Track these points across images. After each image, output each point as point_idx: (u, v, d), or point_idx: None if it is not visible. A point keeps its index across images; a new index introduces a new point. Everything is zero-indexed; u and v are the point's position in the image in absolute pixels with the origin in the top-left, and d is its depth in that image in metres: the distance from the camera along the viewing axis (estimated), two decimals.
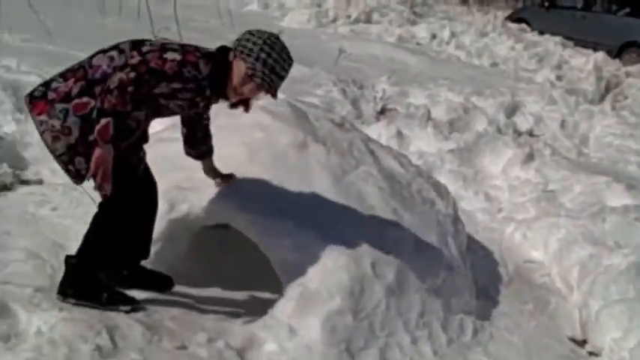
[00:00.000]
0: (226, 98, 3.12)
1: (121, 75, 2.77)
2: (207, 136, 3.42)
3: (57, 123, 2.89)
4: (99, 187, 2.88)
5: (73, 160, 2.95)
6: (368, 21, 13.64)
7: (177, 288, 3.46)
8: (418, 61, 10.89)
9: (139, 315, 3.13)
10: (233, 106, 3.21)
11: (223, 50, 3.04)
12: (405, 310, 3.53)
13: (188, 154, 3.44)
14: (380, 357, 3.34)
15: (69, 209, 4.12)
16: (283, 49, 3.05)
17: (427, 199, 4.27)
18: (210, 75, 2.95)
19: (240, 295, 3.71)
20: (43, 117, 2.91)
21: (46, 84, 3.01)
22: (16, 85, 5.58)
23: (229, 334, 3.18)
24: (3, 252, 3.47)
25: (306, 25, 12.87)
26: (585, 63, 12.15)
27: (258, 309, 3.43)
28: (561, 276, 4.75)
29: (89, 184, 3.04)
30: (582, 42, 13.86)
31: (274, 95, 3.08)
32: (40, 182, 4.62)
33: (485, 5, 21.48)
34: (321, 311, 3.27)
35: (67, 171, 2.99)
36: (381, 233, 3.67)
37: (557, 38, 13.42)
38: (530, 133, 8.26)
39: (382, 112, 7.30)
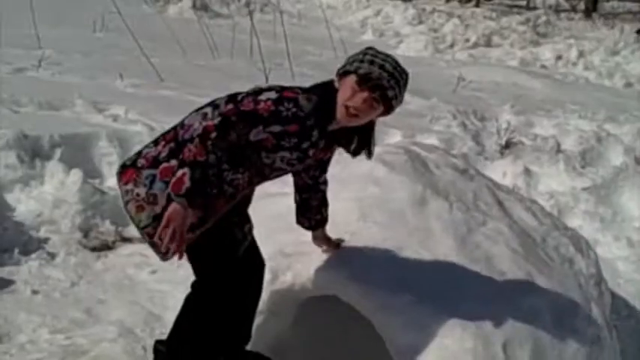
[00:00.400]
0: (341, 143, 2.74)
1: (206, 123, 2.45)
2: (323, 205, 3.04)
3: (142, 191, 2.60)
4: (165, 250, 2.51)
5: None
6: (488, 44, 13.04)
7: None
8: (543, 85, 10.21)
9: None
10: (355, 153, 2.81)
11: (329, 82, 2.66)
12: None
13: (299, 223, 3.07)
14: None
15: (168, 272, 3.86)
16: (388, 55, 2.63)
17: (566, 257, 3.73)
18: (314, 110, 2.55)
19: None
20: (129, 186, 2.62)
21: (140, 151, 2.71)
22: (122, 135, 5.45)
23: None
24: (96, 325, 3.25)
25: (422, 52, 12.43)
26: None
27: None
28: None
29: None
30: None
31: (391, 103, 2.61)
32: (142, 240, 4.40)
33: (611, 19, 20.35)
34: None
35: (153, 245, 2.66)
36: (514, 305, 3.17)
37: None
38: None
39: (507, 146, 6.74)
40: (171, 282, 3.71)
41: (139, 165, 2.64)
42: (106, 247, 4.30)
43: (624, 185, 5.84)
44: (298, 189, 2.96)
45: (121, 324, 3.27)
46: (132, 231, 4.54)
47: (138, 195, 2.61)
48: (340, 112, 2.58)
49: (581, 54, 12.23)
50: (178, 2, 15.26)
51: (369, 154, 2.81)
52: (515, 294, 3.26)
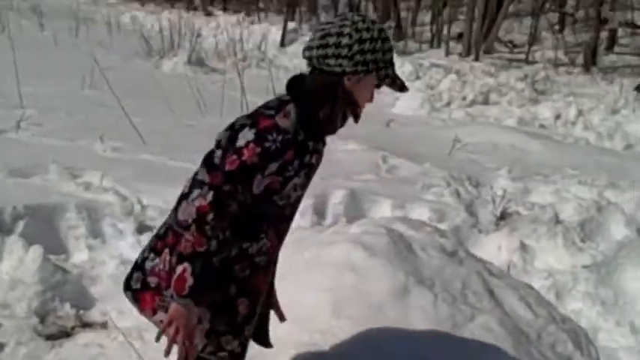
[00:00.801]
0: (329, 131, 2.38)
1: (199, 203, 2.12)
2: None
3: None
4: (168, 350, 2.20)
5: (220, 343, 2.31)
6: (485, 102, 12.78)
7: None
8: (542, 146, 9.91)
9: None
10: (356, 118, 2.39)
11: (295, 81, 2.33)
12: None
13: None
14: None
15: None
16: (374, 24, 2.26)
17: (563, 356, 3.39)
18: (299, 124, 2.22)
19: None
20: (160, 315, 2.26)
21: (139, 266, 2.35)
22: (92, 206, 5.15)
23: None
24: None
25: (418, 111, 12.18)
26: None
27: None
28: None
29: None
30: None
31: (395, 80, 2.30)
32: (104, 325, 4.06)
33: (610, 73, 20.21)
34: None
35: None
36: None
37: None
38: None
39: (502, 216, 6.42)
40: None
41: (153, 285, 2.29)
42: (63, 334, 3.94)
43: (626, 262, 5.48)
44: None
45: None
46: (93, 315, 4.20)
47: None
48: (357, 113, 2.34)
49: (580, 113, 11.96)
50: (173, 57, 15.10)
51: (356, 118, 2.39)
52: None
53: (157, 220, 5.38)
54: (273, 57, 17.65)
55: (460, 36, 22.67)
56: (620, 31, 24.26)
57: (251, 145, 2.14)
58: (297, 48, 18.68)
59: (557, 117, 12.06)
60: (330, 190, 6.08)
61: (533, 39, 22.36)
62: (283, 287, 2.65)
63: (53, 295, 4.20)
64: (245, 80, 11.56)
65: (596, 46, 21.64)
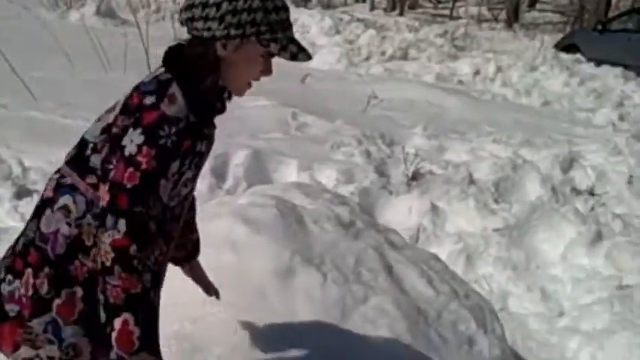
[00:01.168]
0: (219, 110, 1.97)
1: (110, 240, 1.71)
2: (194, 223, 2.32)
3: (52, 349, 1.84)
4: None
5: None
6: (404, 58, 12.50)
7: None
8: (459, 103, 9.68)
9: None
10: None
11: (172, 53, 1.90)
12: None
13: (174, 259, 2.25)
14: None
15: None
16: None
17: (464, 335, 3.11)
18: (189, 107, 1.81)
19: None
20: (28, 351, 1.84)
21: None
22: None
23: None
24: None
25: (335, 66, 11.81)
26: None
27: None
28: None
29: None
30: None
31: (287, 47, 1.88)
32: None
33: (532, 29, 20.27)
34: None
35: None
36: None
37: (618, 70, 12.01)
38: (591, 192, 6.99)
39: (414, 177, 6.14)
40: None
41: (13, 315, 1.84)
42: None
43: (538, 225, 5.29)
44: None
45: None
46: None
47: (51, 358, 1.84)
48: (240, 89, 1.94)
49: (499, 69, 11.79)
50: (81, 8, 14.28)
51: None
52: None
53: (39, 183, 4.92)
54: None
55: None
56: None
57: (144, 148, 1.74)
58: None
59: (476, 73, 11.87)
60: (232, 149, 5.66)
61: None
62: None
63: None
64: (155, 33, 10.95)
65: (518, 3, 21.68)
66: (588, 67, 12.44)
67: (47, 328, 1.82)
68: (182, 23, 1.87)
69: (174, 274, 2.58)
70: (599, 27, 14.69)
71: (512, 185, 6.59)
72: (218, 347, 2.63)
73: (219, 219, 3.17)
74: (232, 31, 1.81)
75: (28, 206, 4.50)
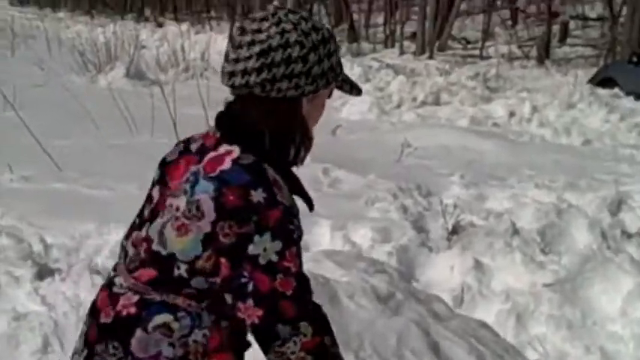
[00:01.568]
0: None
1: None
2: None
3: None
4: None
5: None
6: (436, 103, 12.25)
7: None
8: (496, 146, 9.39)
9: None
10: None
11: (235, 125, 1.68)
12: None
13: None
14: None
15: None
16: (313, 23, 1.67)
17: None
18: (289, 186, 1.68)
19: None
20: None
21: None
22: None
23: None
24: None
25: (367, 115, 11.60)
26: None
27: None
28: None
29: None
30: None
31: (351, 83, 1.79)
32: None
33: (564, 65, 19.95)
34: None
35: None
36: None
37: None
38: None
39: (454, 230, 5.82)
40: None
41: None
42: None
43: (592, 277, 4.93)
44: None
45: None
46: None
47: None
48: (311, 143, 1.78)
49: (534, 109, 11.46)
50: (110, 71, 14.35)
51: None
52: None
53: (61, 261, 4.72)
54: (218, 65, 17.00)
55: (414, 35, 22.37)
56: (572, 24, 24.18)
57: (286, 253, 1.61)
58: None
59: (511, 114, 11.54)
60: None
61: (487, 35, 22.12)
62: None
63: None
64: (185, 91, 10.92)
65: (549, 39, 21.45)
66: (628, 102, 12.04)
67: None
68: (244, 86, 1.61)
69: None
70: (635, 59, 14.29)
71: (559, 233, 6.24)
72: None
73: None
74: (320, 82, 1.66)
75: (50, 287, 4.29)
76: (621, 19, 20.62)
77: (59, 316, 4.14)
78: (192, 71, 16.01)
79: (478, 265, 5.18)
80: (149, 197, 1.77)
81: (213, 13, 28.86)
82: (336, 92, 1.80)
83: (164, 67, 16.20)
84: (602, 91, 12.66)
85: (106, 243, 4.87)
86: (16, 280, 4.53)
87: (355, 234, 5.39)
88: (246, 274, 1.58)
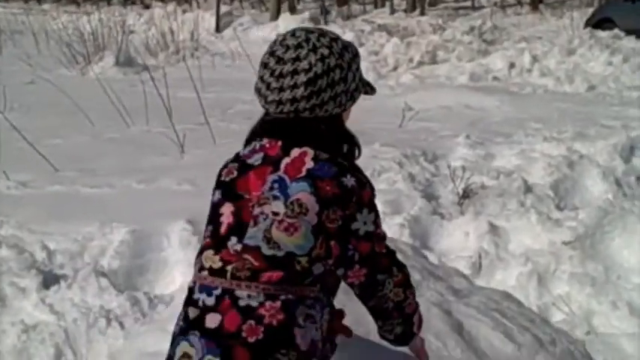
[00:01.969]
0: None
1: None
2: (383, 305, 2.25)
3: None
4: None
5: None
6: (433, 61, 12.02)
7: None
8: (499, 101, 9.18)
9: None
10: None
11: (301, 129, 1.89)
12: None
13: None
14: None
15: None
16: (344, 42, 1.95)
17: None
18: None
19: None
20: None
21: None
22: None
23: None
24: None
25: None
26: None
27: None
28: None
29: None
30: None
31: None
32: None
33: (558, 8, 19.64)
34: None
35: None
36: None
37: None
38: None
39: (466, 194, 5.65)
40: None
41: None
42: None
43: (612, 230, 4.77)
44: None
45: None
46: None
47: None
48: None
49: (534, 58, 11.22)
50: (99, 61, 14.10)
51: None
52: None
53: (66, 267, 4.57)
54: (208, 44, 16.73)
55: None
56: None
57: (378, 221, 1.94)
58: (232, 32, 17.82)
59: (511, 66, 11.34)
60: None
61: None
62: None
63: None
64: (176, 74, 10.69)
65: None
66: (629, 42, 11.79)
67: None
68: (296, 111, 1.83)
69: None
70: None
71: (572, 186, 6.09)
72: None
73: None
74: (356, 95, 1.94)
75: (57, 295, 4.15)
76: None
77: (69, 324, 4.02)
78: (183, 52, 15.76)
79: (493, 229, 5.03)
80: (217, 214, 1.88)
81: None
82: None
83: (154, 51, 15.92)
84: (601, 34, 12.40)
85: (110, 243, 4.71)
86: (21, 291, 4.39)
87: None
88: (351, 247, 1.85)
